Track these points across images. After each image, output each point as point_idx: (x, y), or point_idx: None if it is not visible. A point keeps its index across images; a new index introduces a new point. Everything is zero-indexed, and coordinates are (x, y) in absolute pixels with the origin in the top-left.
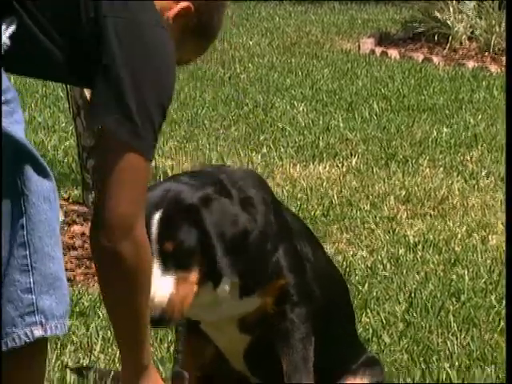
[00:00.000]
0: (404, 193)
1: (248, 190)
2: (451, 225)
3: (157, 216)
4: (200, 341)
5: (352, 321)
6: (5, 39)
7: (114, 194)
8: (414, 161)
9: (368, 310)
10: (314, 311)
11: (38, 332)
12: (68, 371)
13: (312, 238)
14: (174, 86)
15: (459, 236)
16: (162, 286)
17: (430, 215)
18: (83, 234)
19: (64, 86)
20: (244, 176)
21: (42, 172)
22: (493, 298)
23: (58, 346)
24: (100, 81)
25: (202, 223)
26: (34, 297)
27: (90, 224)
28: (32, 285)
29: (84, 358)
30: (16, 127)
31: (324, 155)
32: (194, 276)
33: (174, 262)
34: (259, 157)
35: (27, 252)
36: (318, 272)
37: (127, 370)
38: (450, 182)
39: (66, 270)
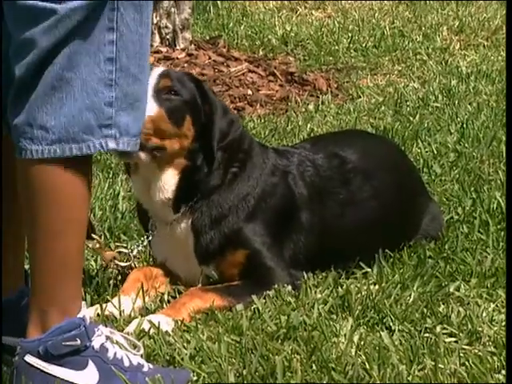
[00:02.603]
0: (457, 23)
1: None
2: (504, 55)
3: (160, 69)
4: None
5: (418, 201)
6: None
7: None
8: None
9: (419, 141)
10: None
11: (112, 144)
12: (120, 200)
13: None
14: None
15: None
16: (149, 105)
17: (484, 45)
18: None
19: None
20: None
21: None
22: None
23: (111, 175)
24: None
25: (205, 91)
26: (113, 110)
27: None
28: (114, 99)
29: None
30: None
31: None
32: (184, 128)
33: (168, 102)
34: None
35: (114, 68)
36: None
37: None
38: (504, 11)
39: None
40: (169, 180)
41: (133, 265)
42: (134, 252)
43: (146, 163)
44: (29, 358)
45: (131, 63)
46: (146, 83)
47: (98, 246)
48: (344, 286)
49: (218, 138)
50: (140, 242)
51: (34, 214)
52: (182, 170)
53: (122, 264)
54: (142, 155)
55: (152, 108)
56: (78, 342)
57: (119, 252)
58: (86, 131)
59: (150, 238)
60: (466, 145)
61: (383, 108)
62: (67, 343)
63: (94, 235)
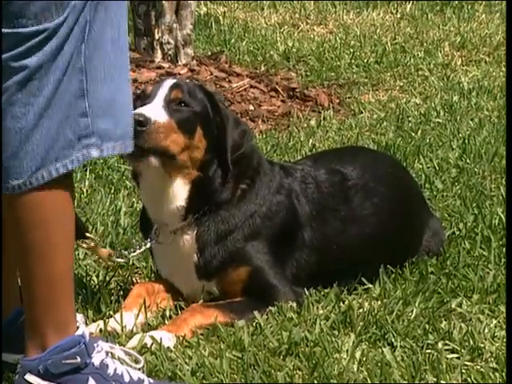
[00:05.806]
0: (459, 39)
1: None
2: (506, 71)
3: (171, 81)
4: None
5: (419, 217)
6: None
7: None
8: (469, 6)
9: (421, 157)
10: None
11: (95, 153)
12: (122, 215)
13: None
14: None
15: None
16: (159, 113)
17: (485, 61)
18: (135, 80)
19: None
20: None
21: None
22: None
23: (112, 191)
24: None
25: (215, 102)
26: (89, 120)
27: None
28: (87, 109)
29: (137, 203)
30: None
31: (378, 1)
32: (196, 140)
33: (178, 113)
34: (312, 3)
35: (84, 77)
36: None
37: None
38: (505, 27)
39: None
40: (179, 190)
41: (132, 263)
42: (136, 253)
43: (156, 169)
44: (29, 377)
45: (100, 68)
46: (125, 86)
47: (92, 244)
48: (346, 302)
49: (230, 150)
50: (142, 243)
51: (20, 239)
52: (193, 181)
53: (120, 260)
54: (153, 160)
55: (162, 117)
56: (78, 359)
57: (118, 256)
58: (65, 146)
59: (153, 242)
60: (468, 160)
61: (385, 124)
62: (67, 361)
63: (87, 234)
